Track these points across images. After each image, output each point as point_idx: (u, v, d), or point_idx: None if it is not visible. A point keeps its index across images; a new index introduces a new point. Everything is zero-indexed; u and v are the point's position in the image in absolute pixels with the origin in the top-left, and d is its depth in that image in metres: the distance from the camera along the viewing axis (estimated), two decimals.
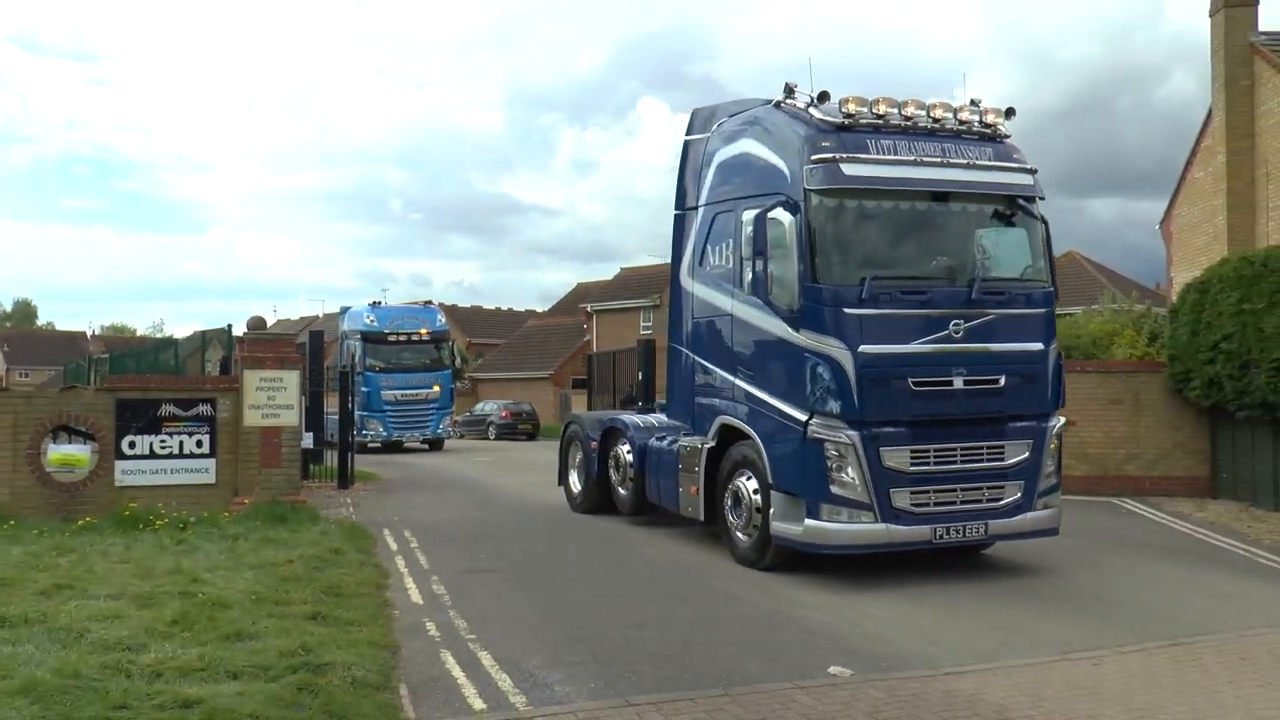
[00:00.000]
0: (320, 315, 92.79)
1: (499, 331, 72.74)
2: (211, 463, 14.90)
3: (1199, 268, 19.83)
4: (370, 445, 31.65)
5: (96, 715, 5.85)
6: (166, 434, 14.68)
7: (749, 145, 11.71)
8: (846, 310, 10.05)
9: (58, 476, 14.16)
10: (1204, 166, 23.78)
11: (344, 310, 35.63)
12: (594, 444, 15.42)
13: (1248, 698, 6.87)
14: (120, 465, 14.46)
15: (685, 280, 12.90)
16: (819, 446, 10.14)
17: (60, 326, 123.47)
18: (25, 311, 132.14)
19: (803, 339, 10.31)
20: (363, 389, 30.94)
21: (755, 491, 11.06)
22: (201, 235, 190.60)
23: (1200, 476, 18.02)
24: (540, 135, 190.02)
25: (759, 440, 10.94)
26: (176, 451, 14.72)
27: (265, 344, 15.70)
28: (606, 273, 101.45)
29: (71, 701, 6.08)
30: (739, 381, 11.42)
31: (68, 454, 14.22)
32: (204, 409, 14.93)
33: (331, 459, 21.29)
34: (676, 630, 8.55)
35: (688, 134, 13.45)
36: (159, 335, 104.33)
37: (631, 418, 15.09)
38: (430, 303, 36.48)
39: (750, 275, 10.96)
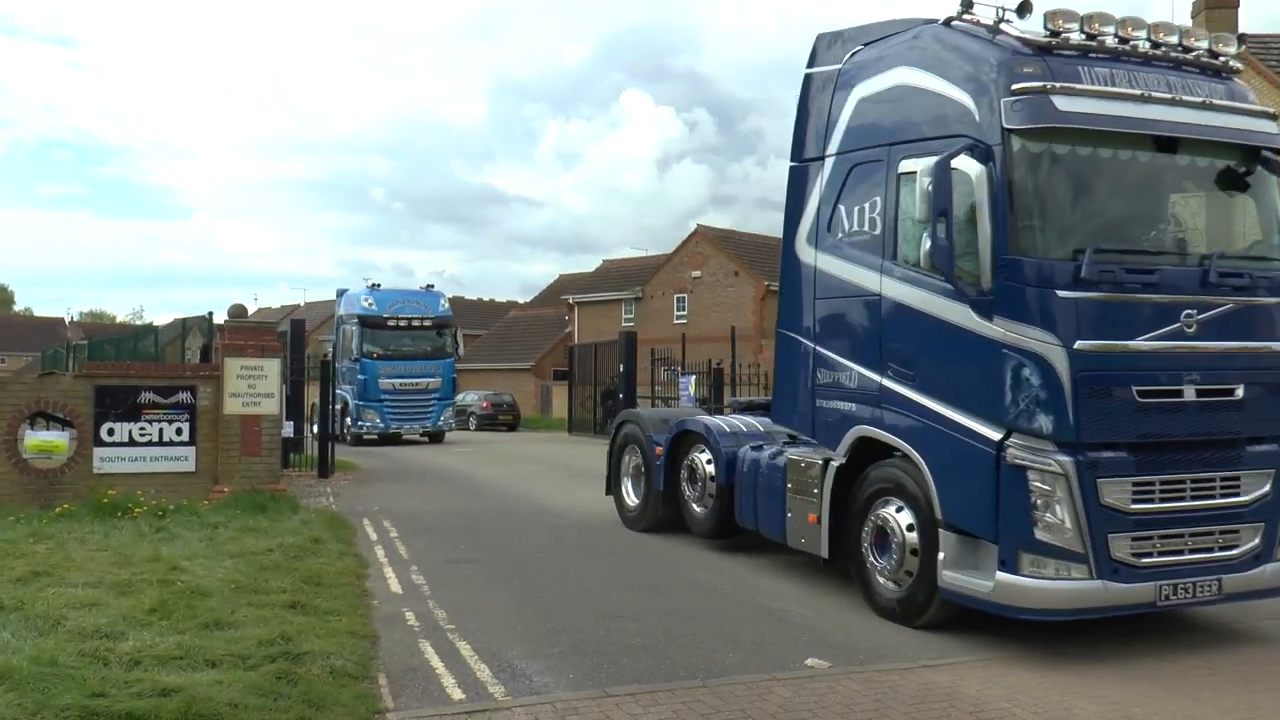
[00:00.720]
0: (302, 304, 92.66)
1: (480, 322, 72.56)
2: (191, 450, 14.87)
3: None
4: (366, 437, 30.71)
5: (74, 703, 5.85)
6: (146, 421, 14.64)
7: (908, 75, 9.08)
8: (1060, 293, 7.66)
9: (35, 463, 14.10)
10: None
11: (341, 293, 33.83)
12: (659, 449, 12.98)
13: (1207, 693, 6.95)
14: (99, 452, 14.41)
15: (803, 250, 10.15)
16: (1019, 475, 7.64)
17: (38, 312, 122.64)
18: (1, 297, 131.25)
19: (996, 330, 7.83)
20: (359, 377, 30.39)
21: (911, 528, 8.59)
22: (182, 222, 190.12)
23: None
24: (523, 126, 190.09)
25: (921, 461, 8.45)
26: (156, 439, 14.68)
27: (246, 332, 15.68)
28: (589, 265, 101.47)
29: (48, 689, 6.07)
30: (889, 382, 8.81)
31: (45, 440, 14.16)
32: (184, 396, 14.89)
33: (313, 448, 21.26)
34: (655, 622, 8.59)
35: (810, 65, 10.55)
36: (138, 322, 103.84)
37: (713, 420, 12.42)
38: (432, 287, 34.05)
39: (912, 244, 8.64)
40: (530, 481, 19.65)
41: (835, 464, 9.48)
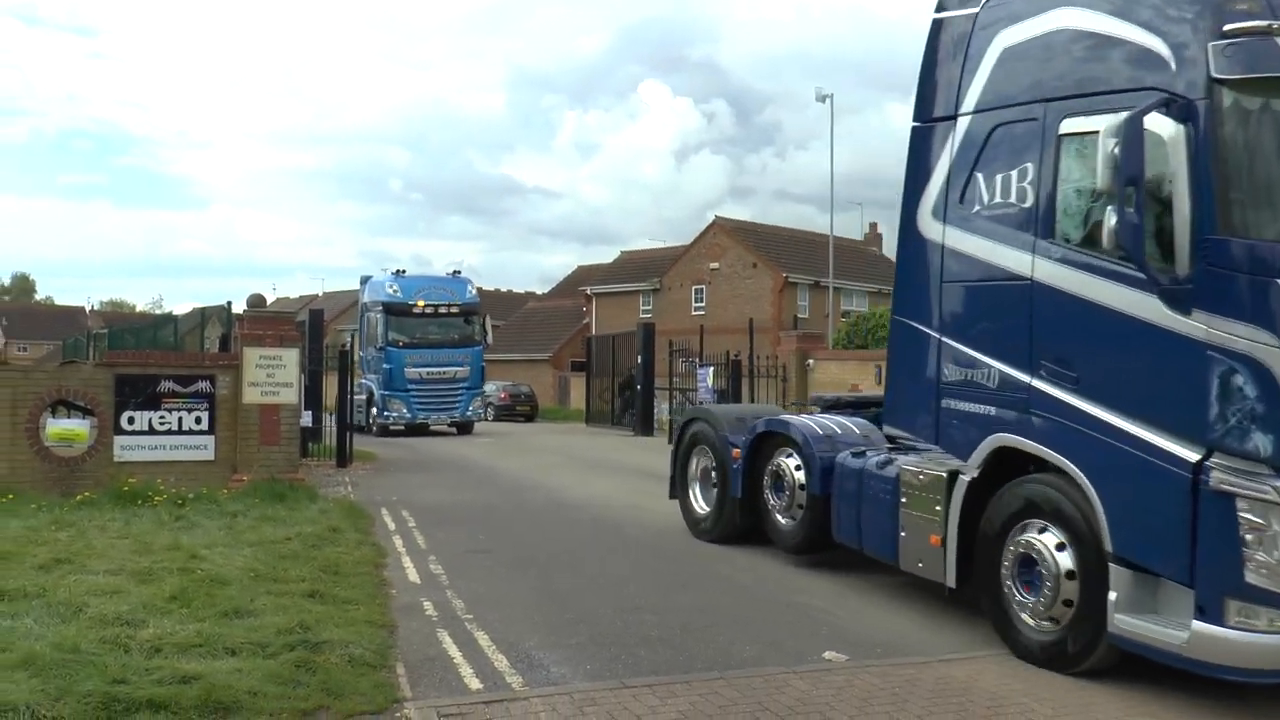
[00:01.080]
0: (320, 294, 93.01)
1: (498, 313, 72.25)
2: (210, 439, 14.95)
3: None
4: (393, 427, 30.19)
5: (95, 690, 5.89)
6: (165, 410, 14.73)
7: (1074, 17, 7.63)
8: None
9: (56, 451, 14.21)
10: None
11: (365, 280, 32.92)
12: (736, 452, 11.51)
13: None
14: (119, 441, 14.51)
15: (928, 225, 8.78)
16: (1225, 505, 6.28)
17: (59, 301, 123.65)
18: (24, 286, 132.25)
19: (1195, 326, 6.47)
20: (384, 366, 29.72)
21: (1068, 558, 7.19)
22: (201, 212, 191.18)
23: None
24: (541, 117, 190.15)
25: (1084, 480, 7.09)
26: (175, 428, 14.77)
27: (265, 322, 15.76)
28: (607, 256, 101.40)
29: (70, 675, 6.12)
30: (1042, 384, 7.45)
31: (66, 429, 14.26)
32: (203, 386, 14.97)
33: (332, 438, 21.34)
34: (673, 614, 8.59)
35: (939, 8, 9.16)
36: (158, 311, 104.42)
37: (803, 421, 10.83)
38: (459, 273, 32.75)
39: (1075, 220, 7.42)
40: (548, 473, 19.69)
41: (966, 477, 8.06)
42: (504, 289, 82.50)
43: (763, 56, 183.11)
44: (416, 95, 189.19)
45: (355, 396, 29.29)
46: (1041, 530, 7.36)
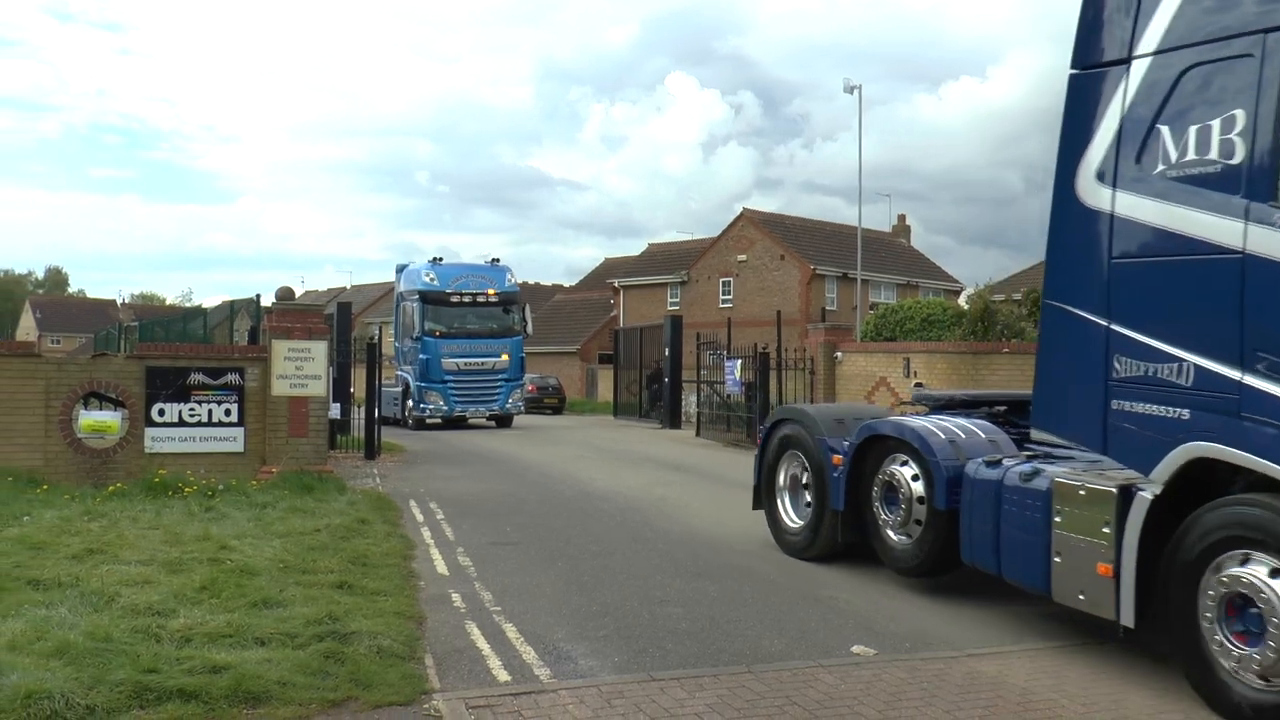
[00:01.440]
0: (348, 286, 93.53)
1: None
2: (240, 431, 15.07)
3: None
4: (430, 420, 29.49)
5: (127, 679, 5.95)
6: (195, 402, 14.85)
7: None
8: None
9: (89, 442, 14.35)
10: None
11: (401, 269, 31.88)
12: (837, 458, 10.11)
13: None
14: (150, 432, 14.64)
15: (1090, 191, 7.41)
16: None
17: (91, 294, 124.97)
18: (57, 279, 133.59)
19: None
20: (420, 356, 28.79)
21: None
22: (229, 206, 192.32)
23: None
24: (569, 110, 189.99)
25: None
26: (205, 420, 14.90)
27: (293, 314, 15.85)
28: (634, 248, 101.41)
29: (103, 664, 6.18)
30: (1259, 382, 6.12)
31: (98, 420, 14.41)
32: (232, 378, 15.08)
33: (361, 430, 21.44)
34: (700, 606, 8.60)
35: None
36: (187, 304, 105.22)
37: (920, 423, 9.31)
38: (497, 261, 31.48)
39: None
40: (576, 465, 19.71)
41: (1147, 494, 6.63)
42: (531, 281, 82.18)
43: (790, 48, 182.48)
44: (444, 88, 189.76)
45: (390, 389, 30.04)
46: (1262, 566, 5.94)
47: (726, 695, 6.36)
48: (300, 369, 15.37)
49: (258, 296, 20.27)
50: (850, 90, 40.53)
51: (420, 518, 13.08)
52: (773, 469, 11.31)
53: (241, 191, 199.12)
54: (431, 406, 28.97)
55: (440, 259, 30.69)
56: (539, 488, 16.37)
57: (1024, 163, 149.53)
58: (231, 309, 22.70)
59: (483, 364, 29.27)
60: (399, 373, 30.85)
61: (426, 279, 29.45)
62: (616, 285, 59.71)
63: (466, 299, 29.54)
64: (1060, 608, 7.63)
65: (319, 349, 15.64)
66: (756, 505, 11.64)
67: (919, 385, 20.39)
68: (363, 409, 21.41)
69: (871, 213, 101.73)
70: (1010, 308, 26.77)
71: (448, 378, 28.89)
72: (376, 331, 32.52)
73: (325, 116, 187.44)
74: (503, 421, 30.69)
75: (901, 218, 63.42)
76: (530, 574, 9.90)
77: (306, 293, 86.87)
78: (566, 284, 76.60)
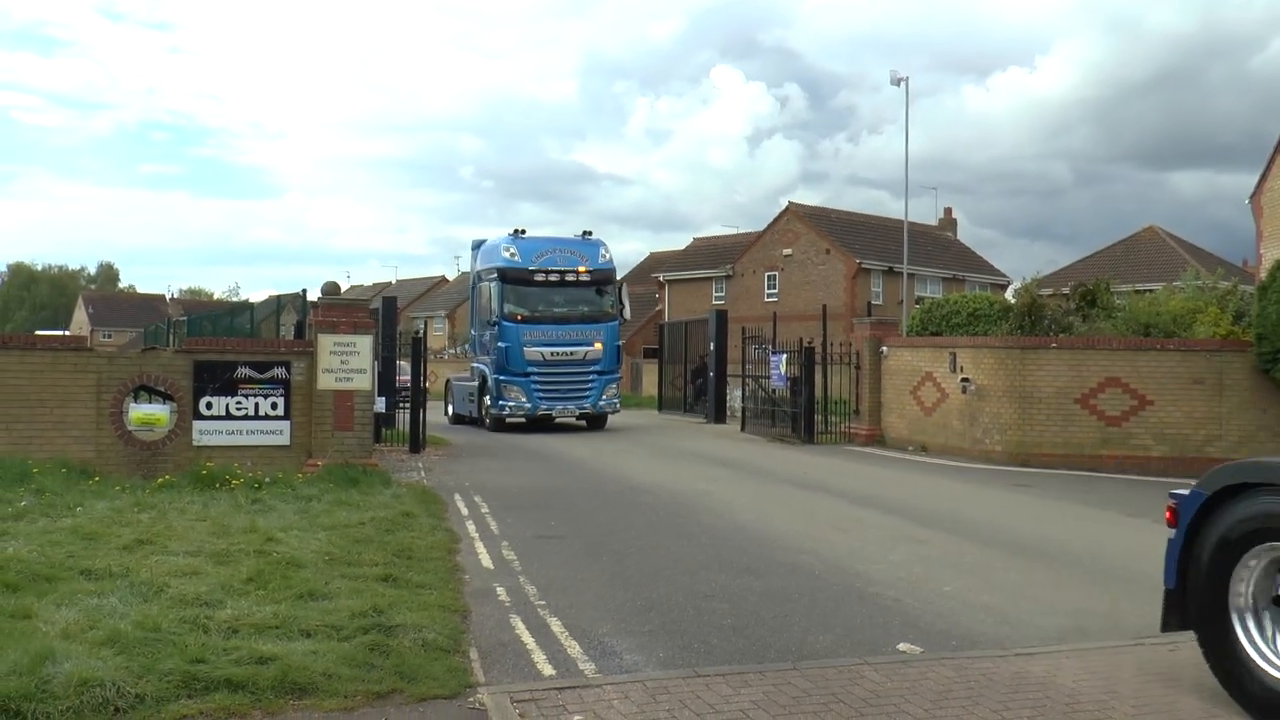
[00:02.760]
0: (393, 281, 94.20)
1: None
2: (286, 425, 15.20)
3: None
4: (511, 419, 26.26)
5: (176, 668, 6.01)
6: (242, 396, 15.00)
7: None
8: None
9: (139, 435, 14.54)
10: None
11: (478, 245, 28.64)
12: None
13: None
14: (198, 425, 14.80)
15: None
16: None
17: (141, 289, 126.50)
18: (108, 274, 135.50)
19: None
20: (500, 345, 25.44)
21: None
22: (275, 201, 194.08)
23: None
24: (613, 104, 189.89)
25: None
26: (252, 413, 15.04)
27: (339, 309, 15.96)
28: (679, 242, 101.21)
29: (152, 654, 6.25)
30: None
31: (148, 413, 14.59)
32: (278, 372, 15.21)
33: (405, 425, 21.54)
34: (746, 602, 8.56)
35: None
36: (234, 299, 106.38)
37: None
38: (590, 234, 27.71)
39: None
40: (620, 458, 19.72)
41: None
42: None
43: (836, 40, 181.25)
44: (488, 83, 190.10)
45: (464, 383, 29.64)
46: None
47: (771, 692, 6.32)
48: (345, 363, 15.47)
49: (304, 291, 20.45)
50: (897, 82, 40.19)
51: (465, 511, 13.13)
52: (1219, 570, 6.36)
53: (287, 187, 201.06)
54: (512, 404, 25.57)
55: (523, 231, 26.80)
56: (583, 481, 16.38)
57: (1072, 154, 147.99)
58: (278, 304, 22.90)
59: (572, 354, 25.75)
60: (475, 365, 28.47)
61: (507, 254, 25.93)
62: (661, 279, 59.62)
63: (553, 278, 25.98)
64: (1116, 609, 7.52)
65: (364, 343, 15.73)
66: (1168, 625, 6.66)
67: (966, 380, 20.21)
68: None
69: (917, 206, 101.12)
70: (1058, 302, 26.40)
71: (531, 370, 25.46)
72: (421, 326, 32.63)
73: (370, 112, 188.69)
74: (595, 422, 27.37)
75: (948, 211, 62.85)
76: (575, 568, 9.90)
77: (351, 288, 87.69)
78: None
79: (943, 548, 11.16)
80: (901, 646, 7.40)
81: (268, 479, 13.89)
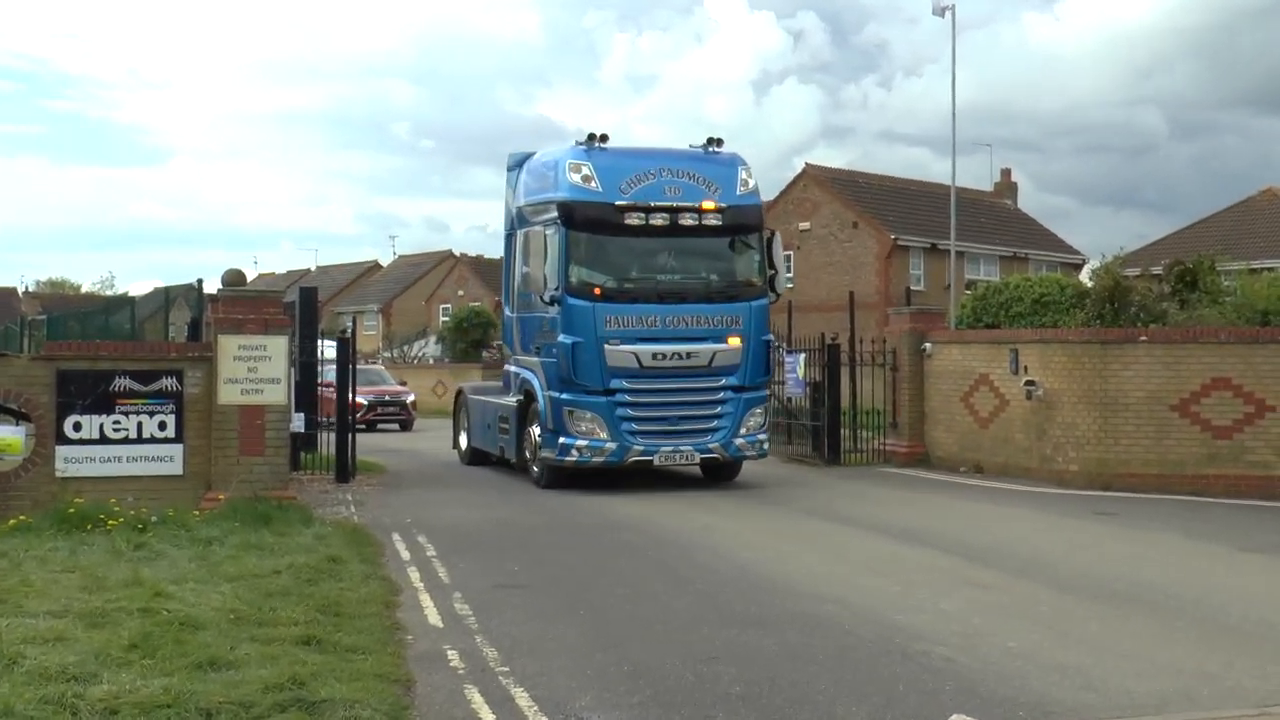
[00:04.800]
0: (312, 268, 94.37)
1: None
2: (178, 449, 15.12)
3: None
4: (584, 467, 18.87)
5: None
6: (121, 414, 14.91)
7: None
8: None
9: None
10: None
11: (518, 163, 21.71)
12: None
13: None
14: (62, 452, 14.71)
15: None
16: None
17: None
18: None
19: None
20: (562, 338, 18.66)
21: None
22: (159, 168, 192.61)
23: None
24: (584, 41, 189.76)
25: None
26: (134, 435, 14.96)
27: (245, 303, 15.90)
28: None
29: None
30: None
31: None
32: (168, 383, 15.14)
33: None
34: (757, 664, 8.53)
35: None
36: (109, 292, 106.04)
37: None
38: (718, 144, 20.16)
39: None
40: (595, 480, 19.64)
41: None
42: None
43: None
44: (427, 14, 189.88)
45: (488, 402, 22.75)
46: None
47: None
48: (254, 371, 15.39)
49: (199, 282, 20.41)
50: (940, 11, 40.29)
51: (406, 555, 13.09)
52: None
53: (174, 150, 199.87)
54: (584, 441, 18.60)
55: (603, 139, 19.45)
56: (551, 514, 16.36)
57: (1168, 99, 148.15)
58: (167, 297, 22.86)
59: (690, 355, 19.02)
60: (511, 370, 21.85)
61: (576, 178, 18.98)
62: None
63: (659, 220, 18.97)
64: (1231, 669, 7.50)
65: (277, 346, 15.67)
66: None
67: (1031, 384, 20.24)
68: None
69: (968, 167, 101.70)
70: (1149, 285, 26.55)
71: (619, 383, 18.74)
72: (350, 323, 32.51)
73: (278, 54, 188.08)
74: (725, 471, 20.46)
75: (1006, 173, 63.10)
76: (544, 624, 9.87)
77: (260, 276, 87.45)
78: None
79: (1007, 593, 11.14)
80: (955, 719, 7.38)
81: (155, 518, 13.80)
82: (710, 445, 19.26)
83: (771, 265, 20.21)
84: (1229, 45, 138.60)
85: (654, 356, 18.87)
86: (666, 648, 9.04)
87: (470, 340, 62.49)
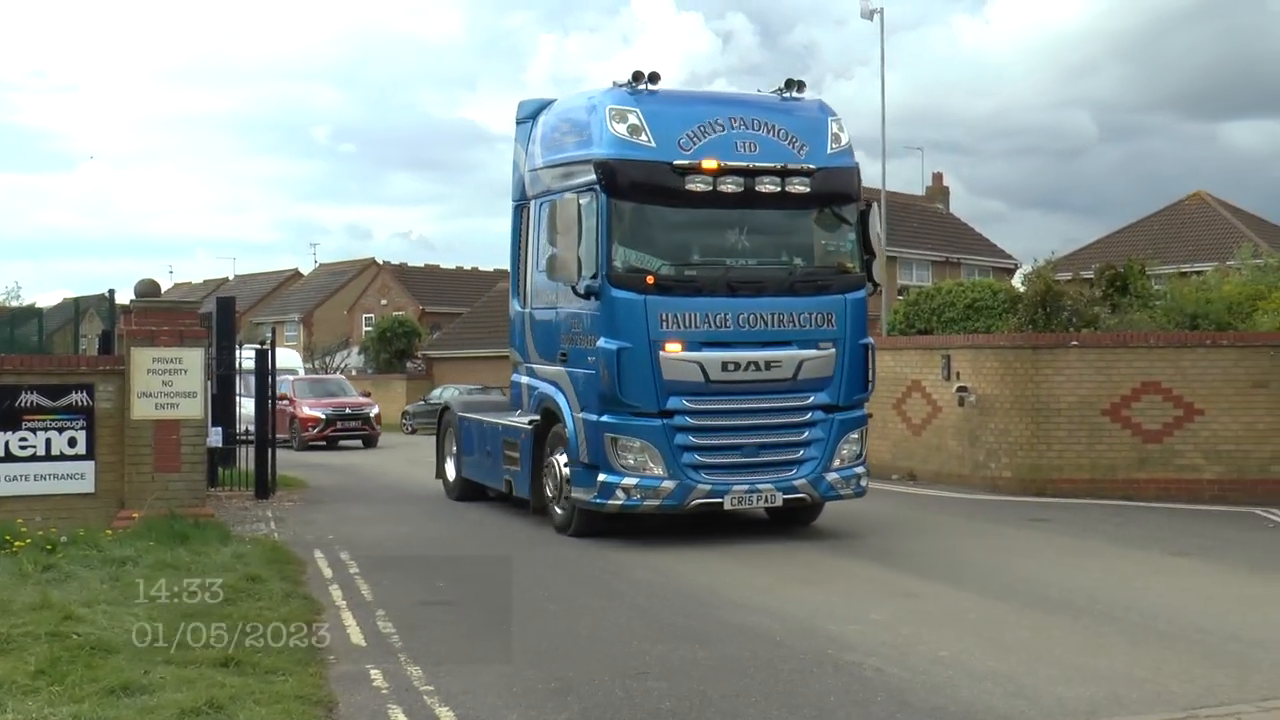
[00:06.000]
0: (230, 277, 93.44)
1: (460, 298, 72.95)
2: (89, 466, 14.95)
3: None
4: (637, 510, 14.58)
5: None
6: (28, 430, 14.72)
7: None
8: None
9: None
10: None
11: (534, 113, 17.88)
12: None
13: None
14: None
15: None
16: None
17: None
18: None
19: None
20: (604, 344, 14.49)
21: None
22: (66, 174, 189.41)
23: None
24: (509, 42, 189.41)
25: None
26: (42, 453, 14.77)
27: (159, 314, 15.77)
28: None
29: None
30: None
31: None
32: (78, 398, 14.96)
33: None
34: (689, 679, 8.57)
35: None
36: (15, 303, 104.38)
37: None
38: (798, 87, 16.00)
39: None
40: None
41: None
42: (466, 266, 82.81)
43: None
44: (347, 15, 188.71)
45: (491, 422, 18.50)
46: None
47: None
48: (169, 384, 15.25)
49: (111, 292, 20.19)
50: (870, 14, 40.71)
51: (328, 573, 13.02)
52: None
53: (83, 156, 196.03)
54: (633, 480, 14.37)
55: (652, 79, 15.29)
56: (478, 528, 16.36)
57: (1098, 102, 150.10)
58: (76, 309, 22.59)
59: (769, 365, 14.91)
60: (523, 381, 17.58)
61: (623, 129, 14.85)
62: None
63: (730, 185, 14.78)
64: (1160, 674, 7.63)
65: (193, 358, 15.54)
66: None
67: (963, 390, 20.46)
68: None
69: (899, 170, 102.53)
70: (1080, 289, 26.91)
71: (679, 401, 14.63)
72: (269, 334, 32.17)
73: (193, 57, 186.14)
74: (807, 514, 16.19)
75: (938, 177, 63.79)
76: (470, 641, 9.86)
77: (175, 286, 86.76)
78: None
79: (938, 602, 11.28)
80: None
81: (65, 538, 13.61)
82: (796, 482, 14.85)
83: (867, 248, 15.85)
84: (1156, 48, 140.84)
85: (724, 367, 14.70)
86: (597, 663, 9.06)
87: (394, 350, 62.34)
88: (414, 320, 66.33)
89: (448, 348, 63.61)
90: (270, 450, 20.82)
